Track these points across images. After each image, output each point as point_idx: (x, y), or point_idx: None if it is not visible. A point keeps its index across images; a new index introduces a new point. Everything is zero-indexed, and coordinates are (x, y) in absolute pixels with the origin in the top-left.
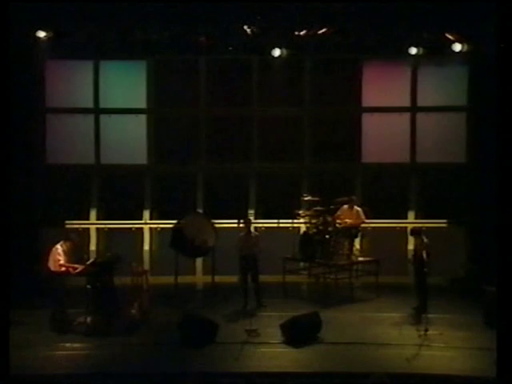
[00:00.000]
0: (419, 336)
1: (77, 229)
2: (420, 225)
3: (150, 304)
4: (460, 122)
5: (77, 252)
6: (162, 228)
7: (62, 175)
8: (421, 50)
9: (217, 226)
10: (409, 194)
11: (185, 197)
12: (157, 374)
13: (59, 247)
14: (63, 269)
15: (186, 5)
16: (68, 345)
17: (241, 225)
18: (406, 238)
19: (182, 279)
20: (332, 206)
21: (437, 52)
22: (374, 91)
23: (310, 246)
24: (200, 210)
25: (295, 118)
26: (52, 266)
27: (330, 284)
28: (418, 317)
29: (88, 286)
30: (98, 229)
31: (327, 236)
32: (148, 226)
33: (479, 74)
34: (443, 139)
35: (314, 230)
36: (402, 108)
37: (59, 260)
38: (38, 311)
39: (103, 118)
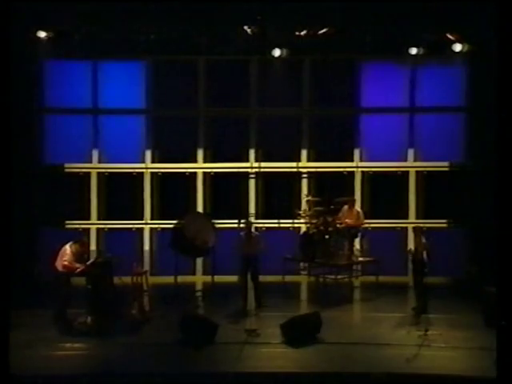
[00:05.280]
0: (419, 336)
1: (77, 229)
2: (421, 225)
3: (150, 304)
4: (460, 123)
5: (85, 255)
6: (162, 228)
7: (62, 175)
8: (421, 50)
9: (217, 226)
10: (409, 194)
11: (185, 197)
12: (157, 374)
13: (68, 248)
14: (74, 268)
15: (186, 5)
16: (68, 345)
17: (241, 225)
18: (406, 238)
19: (182, 279)
20: (332, 207)
21: (437, 52)
22: (374, 91)
23: (310, 246)
24: (200, 210)
25: (295, 118)
26: (59, 265)
27: (330, 284)
28: (418, 317)
29: (88, 286)
30: (98, 229)
31: (327, 236)
32: (148, 226)
33: (479, 74)
34: (443, 140)
35: (315, 230)
36: (402, 108)
37: (64, 260)
38: (38, 311)
39: (102, 118)
